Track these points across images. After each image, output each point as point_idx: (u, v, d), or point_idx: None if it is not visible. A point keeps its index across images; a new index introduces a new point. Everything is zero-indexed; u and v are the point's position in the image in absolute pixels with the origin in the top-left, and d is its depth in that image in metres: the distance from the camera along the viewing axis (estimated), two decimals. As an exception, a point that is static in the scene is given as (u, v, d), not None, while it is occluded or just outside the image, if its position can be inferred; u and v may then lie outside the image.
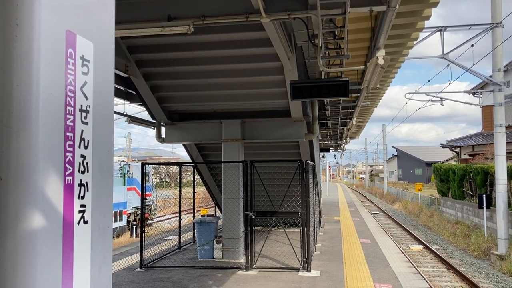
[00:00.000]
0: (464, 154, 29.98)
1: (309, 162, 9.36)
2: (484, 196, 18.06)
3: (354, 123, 13.14)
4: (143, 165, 9.71)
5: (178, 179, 12.73)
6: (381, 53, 3.86)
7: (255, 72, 8.44)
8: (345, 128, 17.85)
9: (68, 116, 1.19)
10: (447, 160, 47.61)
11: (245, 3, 4.89)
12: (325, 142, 26.30)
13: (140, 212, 25.88)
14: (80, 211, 1.24)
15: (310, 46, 5.85)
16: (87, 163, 1.28)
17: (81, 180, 1.25)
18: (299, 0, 4.76)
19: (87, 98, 1.28)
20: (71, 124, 1.21)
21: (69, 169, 1.20)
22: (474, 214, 20.85)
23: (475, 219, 20.56)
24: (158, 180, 58.77)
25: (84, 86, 1.27)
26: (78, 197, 1.23)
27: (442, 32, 15.81)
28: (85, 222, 1.26)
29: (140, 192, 27.38)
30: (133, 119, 10.56)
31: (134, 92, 9.60)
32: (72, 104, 1.22)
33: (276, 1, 4.84)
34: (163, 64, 8.51)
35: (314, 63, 7.56)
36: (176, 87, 9.30)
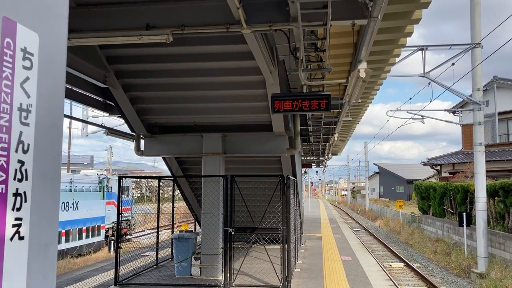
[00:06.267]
0: (445, 172, 30.30)
1: (291, 177, 9.23)
2: (464, 214, 18.16)
3: (336, 138, 13.11)
4: (120, 178, 9.44)
5: (163, 194, 12.45)
6: (362, 66, 3.79)
7: (237, 86, 8.34)
8: (327, 144, 17.85)
9: (2, 115, 1.04)
10: (428, 178, 48.08)
11: (226, 14, 4.80)
12: (308, 158, 26.29)
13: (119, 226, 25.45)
14: (14, 225, 1.06)
15: (292, 60, 5.78)
16: (26, 169, 1.11)
17: (17, 189, 1.08)
18: (281, 12, 4.69)
19: (28, 96, 1.12)
20: (6, 124, 1.05)
21: (1, 176, 1.03)
22: (455, 232, 20.94)
23: (456, 237, 20.64)
24: (139, 195, 57.92)
25: (26, 82, 1.12)
26: (13, 209, 1.06)
27: (423, 51, 16.05)
28: (21, 238, 1.09)
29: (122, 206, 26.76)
30: (112, 131, 10.30)
31: (113, 104, 9.38)
32: (9, 101, 1.06)
33: (257, 12, 4.76)
34: (143, 76, 8.34)
35: (296, 76, 7.51)
36: (156, 99, 9.13)
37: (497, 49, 12.68)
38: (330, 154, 22.60)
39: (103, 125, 10.14)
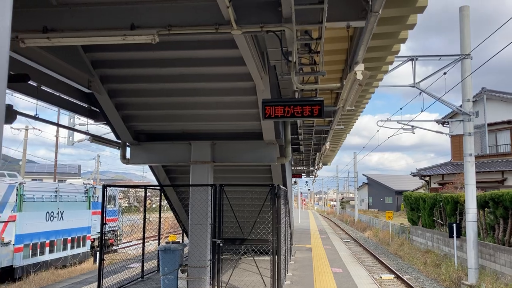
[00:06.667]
0: (434, 183, 30.31)
1: (281, 187, 8.99)
2: (454, 225, 18.05)
3: (328, 147, 12.92)
4: (104, 187, 9.10)
5: (151, 204, 12.10)
6: (359, 68, 3.57)
7: (227, 92, 8.10)
8: (317, 153, 17.66)
9: None
10: (417, 189, 48.20)
11: (215, 14, 4.58)
12: (298, 168, 26.08)
13: (104, 237, 24.92)
14: None
15: (283, 65, 5.57)
16: None
17: None
18: (273, 13, 4.48)
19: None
20: None
21: None
22: (445, 243, 20.82)
23: (446, 248, 20.52)
24: (126, 205, 57.16)
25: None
26: None
27: (413, 62, 16.05)
28: None
29: (105, 217, 26.23)
30: (96, 139, 9.97)
31: (98, 110, 9.08)
32: None
33: (248, 12, 4.55)
34: (129, 81, 8.06)
35: (288, 83, 7.32)
36: (143, 105, 8.84)
37: (488, 60, 12.65)
38: (320, 164, 22.42)
39: (87, 131, 9.81)
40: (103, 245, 26.30)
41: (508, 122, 25.34)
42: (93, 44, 7.21)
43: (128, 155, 10.07)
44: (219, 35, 6.53)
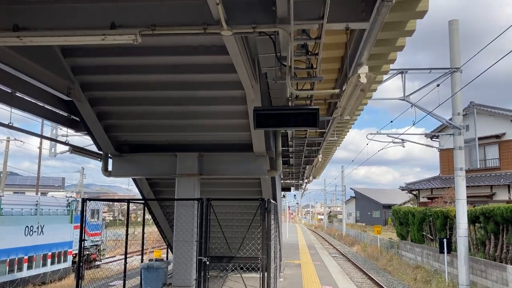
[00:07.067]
0: (423, 197, 30.19)
1: (272, 201, 8.58)
2: (445, 240, 17.78)
3: (320, 159, 12.56)
4: (83, 200, 8.59)
5: (136, 218, 11.57)
6: (363, 70, 3.20)
7: (215, 101, 7.70)
8: (307, 166, 17.32)
9: None
10: (404, 203, 48.18)
11: (204, 13, 4.21)
12: (287, 181, 25.68)
13: (86, 252, 24.13)
14: None
15: (277, 71, 5.21)
16: None
17: None
18: (267, 12, 4.12)
19: None
20: None
21: None
22: (435, 259, 20.54)
23: (436, 263, 20.23)
24: (111, 218, 56.08)
25: None
26: None
27: (403, 75, 15.93)
28: None
29: (88, 231, 25.41)
30: (76, 150, 9.46)
31: (79, 119, 8.59)
32: None
33: (239, 12, 4.19)
34: (112, 88, 7.62)
35: (280, 93, 6.96)
36: (126, 114, 8.38)
37: (479, 75, 12.51)
38: (311, 177, 22.05)
39: (67, 142, 9.31)
40: (86, 260, 25.35)
41: (497, 136, 25.39)
42: (74, 49, 6.81)
43: (110, 167, 9.58)
44: (209, 39, 6.20)
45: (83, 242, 8.74)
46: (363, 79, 3.18)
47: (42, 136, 9.99)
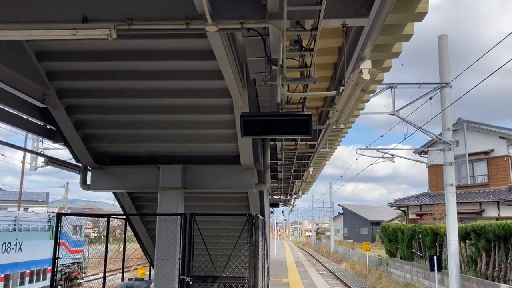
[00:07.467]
0: (412, 214, 29.94)
1: (259, 216, 8.12)
2: (435, 257, 17.43)
3: (311, 172, 12.17)
4: (58, 215, 8.03)
5: (121, 234, 10.97)
6: (366, 65, 2.82)
7: (201, 110, 7.26)
8: (296, 181, 16.93)
9: None
10: (392, 220, 47.97)
11: (186, 7, 3.82)
12: (275, 196, 25.20)
13: (68, 270, 23.25)
14: None
15: (266, 76, 4.83)
16: None
17: None
18: (256, 6, 3.75)
19: None
20: None
21: None
22: (424, 277, 20.17)
23: (426, 281, 19.86)
24: (96, 234, 54.79)
25: None
26: None
27: (393, 89, 15.79)
28: None
29: (69, 248, 24.50)
30: (52, 161, 8.90)
31: (55, 128, 8.07)
32: None
33: (226, 6, 3.81)
34: (90, 95, 7.13)
35: (269, 101, 6.58)
36: (106, 123, 7.88)
37: (469, 90, 12.37)
38: (300, 192, 21.62)
39: (41, 152, 8.75)
40: (67, 279, 24.39)
41: (485, 152, 25.38)
42: (49, 52, 6.34)
43: (89, 180, 9.04)
44: (196, 44, 5.80)
45: (58, 260, 8.15)
46: (366, 75, 2.81)
47: (20, 148, 9.44)
